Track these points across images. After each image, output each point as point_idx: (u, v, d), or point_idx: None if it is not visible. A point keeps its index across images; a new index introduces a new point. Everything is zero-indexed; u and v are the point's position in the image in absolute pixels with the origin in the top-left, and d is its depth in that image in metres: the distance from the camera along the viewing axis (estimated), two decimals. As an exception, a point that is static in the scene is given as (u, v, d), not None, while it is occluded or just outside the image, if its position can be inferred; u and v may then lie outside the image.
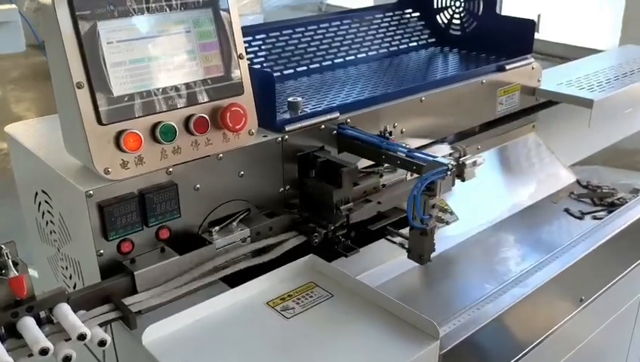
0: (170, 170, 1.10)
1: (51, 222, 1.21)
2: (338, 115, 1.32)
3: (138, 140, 1.03)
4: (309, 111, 1.32)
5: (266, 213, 1.25)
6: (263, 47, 1.61)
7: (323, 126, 1.29)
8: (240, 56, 1.13)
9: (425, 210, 1.12)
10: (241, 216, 1.20)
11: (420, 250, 1.17)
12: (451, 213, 1.52)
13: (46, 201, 1.20)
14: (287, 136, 1.24)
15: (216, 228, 1.17)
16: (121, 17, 1.00)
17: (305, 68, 1.65)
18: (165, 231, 1.12)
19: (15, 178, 1.37)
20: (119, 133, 1.01)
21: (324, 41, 1.71)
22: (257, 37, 1.60)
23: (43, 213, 1.24)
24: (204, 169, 1.14)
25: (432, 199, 1.12)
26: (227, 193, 1.19)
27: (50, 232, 1.24)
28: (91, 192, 1.02)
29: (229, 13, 1.11)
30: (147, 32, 1.03)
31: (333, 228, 1.23)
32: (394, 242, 1.32)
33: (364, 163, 1.33)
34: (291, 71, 1.63)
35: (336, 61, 1.71)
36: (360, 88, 1.50)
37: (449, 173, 1.12)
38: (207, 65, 1.10)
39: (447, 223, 1.50)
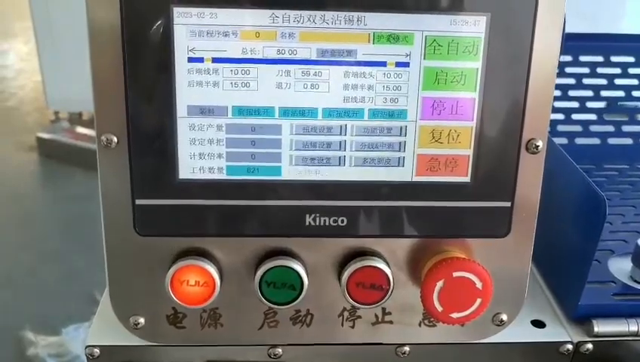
0: (279, 351, 0.50)
1: None
2: None
3: (209, 285, 0.44)
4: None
5: None
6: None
7: (697, 342, 0.54)
8: (531, 147, 0.44)
9: None
10: None
11: None
12: None
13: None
14: (590, 346, 0.52)
15: None
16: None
17: None
18: None
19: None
20: (172, 258, 0.45)
21: None
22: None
23: None
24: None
25: None
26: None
27: None
28: (97, 351, 0.48)
29: (532, 33, 0.42)
30: (278, 49, 0.41)
31: None
32: None
33: None
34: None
35: None
36: None
37: None
38: (432, 155, 0.44)
39: None
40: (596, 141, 0.82)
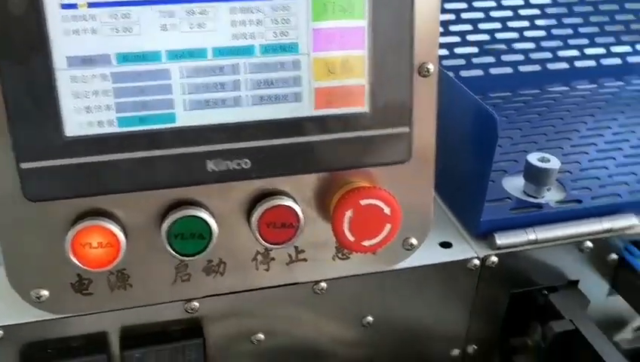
0: (195, 304, 0.49)
1: None
2: (634, 221, 0.59)
3: (112, 245, 0.42)
4: (569, 196, 0.61)
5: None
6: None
7: (589, 243, 0.58)
8: (423, 70, 0.45)
9: None
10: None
11: None
12: None
13: None
14: (495, 259, 0.55)
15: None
16: None
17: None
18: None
19: None
20: (70, 222, 0.42)
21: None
22: None
23: None
24: (279, 306, 0.51)
25: None
26: (328, 351, 0.56)
27: None
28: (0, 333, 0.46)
29: (413, -42, 0.43)
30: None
31: None
32: None
33: None
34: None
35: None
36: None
37: None
38: (328, 88, 0.44)
39: None
40: (479, 73, 0.85)
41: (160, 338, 0.48)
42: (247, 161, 0.43)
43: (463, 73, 0.84)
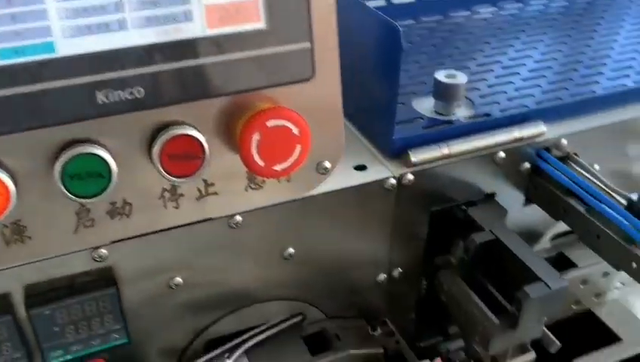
0: (103, 252, 0.46)
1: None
2: (543, 129, 0.59)
3: (1, 193, 0.39)
4: (478, 111, 0.61)
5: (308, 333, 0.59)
6: None
7: (502, 154, 0.58)
8: (319, -19, 0.43)
9: None
10: (280, 329, 0.56)
11: None
12: None
13: None
14: (411, 177, 0.55)
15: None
16: None
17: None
18: (99, 363, 0.50)
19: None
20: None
21: None
22: None
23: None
24: (195, 245, 0.49)
25: None
26: (251, 288, 0.54)
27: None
28: None
29: None
30: None
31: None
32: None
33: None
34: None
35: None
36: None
37: None
38: (220, 4, 0.41)
39: None
40: (382, 3, 0.84)
41: (69, 292, 0.45)
42: (139, 89, 0.40)
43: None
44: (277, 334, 0.56)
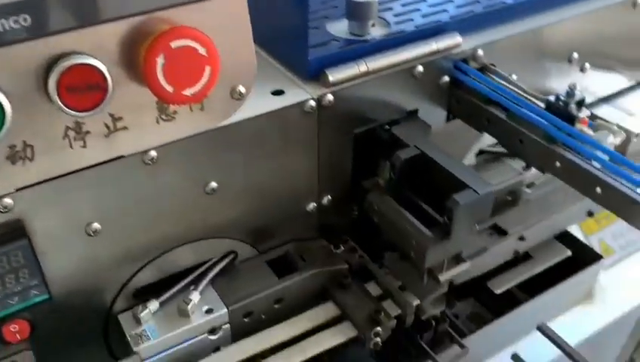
0: (8, 201, 0.43)
1: None
2: (458, 39, 0.59)
3: None
4: (393, 29, 0.59)
5: (272, 258, 0.58)
6: None
7: (420, 68, 0.57)
8: None
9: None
10: (211, 270, 0.54)
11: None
12: None
13: None
14: (331, 97, 0.53)
15: (150, 305, 0.51)
16: None
17: None
18: (23, 325, 0.47)
19: None
20: None
21: None
22: None
23: None
24: (109, 186, 0.46)
25: None
26: (176, 229, 0.52)
27: None
28: None
29: None
30: None
31: (420, 304, 0.56)
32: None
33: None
34: None
35: None
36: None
37: None
38: None
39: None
40: None
41: (-25, 249, 0.42)
42: (25, 17, 0.36)
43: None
44: (241, 262, 0.56)
